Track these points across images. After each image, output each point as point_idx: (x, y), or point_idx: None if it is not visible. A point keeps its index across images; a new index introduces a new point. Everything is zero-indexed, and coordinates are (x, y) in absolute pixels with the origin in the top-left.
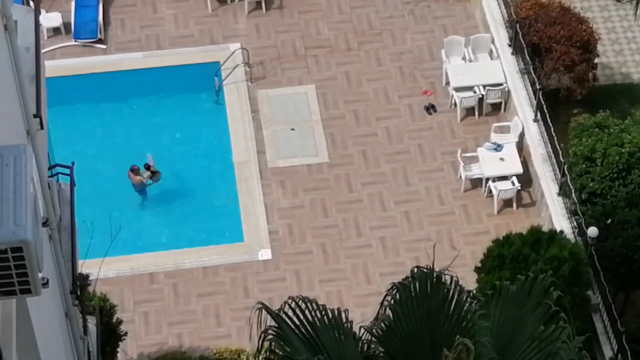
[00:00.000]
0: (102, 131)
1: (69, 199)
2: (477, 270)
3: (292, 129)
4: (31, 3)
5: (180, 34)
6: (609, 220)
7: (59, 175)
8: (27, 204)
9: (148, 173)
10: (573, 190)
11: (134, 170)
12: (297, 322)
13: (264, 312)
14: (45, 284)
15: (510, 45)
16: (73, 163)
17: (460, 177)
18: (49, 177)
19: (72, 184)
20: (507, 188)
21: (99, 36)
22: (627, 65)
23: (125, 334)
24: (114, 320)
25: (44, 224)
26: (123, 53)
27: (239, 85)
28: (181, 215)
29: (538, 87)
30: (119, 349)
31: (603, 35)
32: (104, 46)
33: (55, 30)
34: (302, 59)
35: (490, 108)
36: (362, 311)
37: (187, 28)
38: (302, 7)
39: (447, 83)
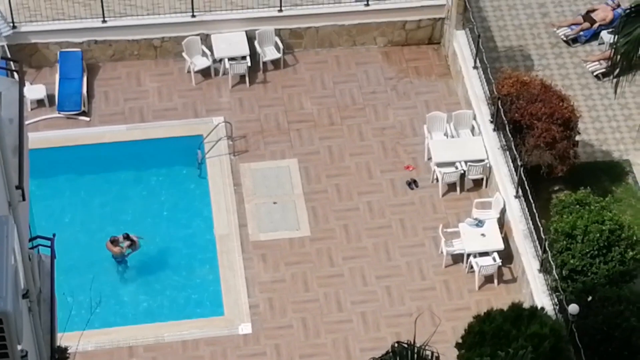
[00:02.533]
0: (84, 203)
1: (49, 271)
2: (458, 346)
3: (274, 203)
4: (15, 75)
5: (163, 107)
6: (590, 298)
7: (40, 247)
8: (7, 275)
9: (127, 243)
10: (554, 267)
11: (114, 242)
12: None
13: None
14: (25, 357)
15: (492, 122)
16: (54, 235)
17: (442, 252)
18: (30, 248)
19: (53, 256)
20: (489, 264)
21: (82, 108)
22: (607, 143)
23: None
24: None
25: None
26: (106, 125)
27: (221, 158)
28: (161, 287)
29: (519, 163)
30: None
31: (584, 113)
32: (87, 118)
33: (39, 102)
34: (285, 133)
35: (472, 184)
36: None
37: (171, 101)
38: (286, 81)
39: (429, 158)
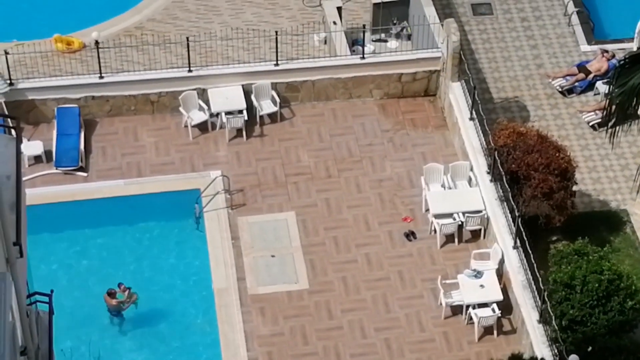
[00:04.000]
0: (81, 258)
1: (47, 327)
2: None
3: (273, 256)
4: (13, 132)
5: (161, 162)
6: (590, 348)
7: (38, 303)
8: (5, 332)
9: (125, 293)
10: (553, 318)
11: (111, 294)
12: None
13: None
14: None
15: (489, 173)
16: (52, 291)
17: (441, 304)
18: (28, 305)
19: (51, 312)
20: (488, 315)
21: (80, 164)
22: (604, 192)
23: None
24: None
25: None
26: (104, 181)
27: (219, 212)
28: (159, 342)
29: (517, 214)
30: None
31: (580, 163)
32: (85, 174)
33: (37, 159)
34: (282, 186)
35: (470, 235)
36: None
37: (168, 156)
38: (283, 135)
39: (427, 210)
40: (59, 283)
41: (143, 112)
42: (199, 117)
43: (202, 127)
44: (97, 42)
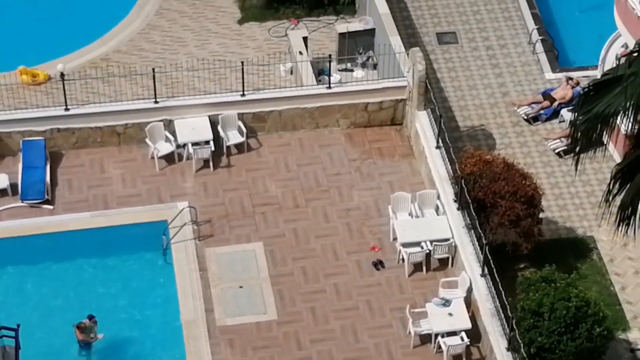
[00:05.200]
0: (49, 291)
1: None
2: None
3: (241, 287)
4: None
5: (127, 193)
6: None
7: (4, 338)
8: None
9: (95, 327)
10: (522, 345)
11: (80, 327)
12: None
13: None
14: None
15: (456, 201)
16: (18, 325)
17: (410, 332)
18: None
19: (17, 347)
20: (457, 343)
21: (46, 197)
22: (571, 219)
23: None
24: None
25: None
26: (70, 213)
27: (186, 243)
28: None
29: (484, 242)
30: None
31: (547, 190)
32: (51, 207)
33: (2, 192)
34: (250, 217)
35: (438, 263)
36: None
37: (135, 187)
38: (250, 165)
39: (395, 239)
40: (27, 317)
41: (109, 143)
42: (165, 148)
43: (169, 158)
44: (62, 74)
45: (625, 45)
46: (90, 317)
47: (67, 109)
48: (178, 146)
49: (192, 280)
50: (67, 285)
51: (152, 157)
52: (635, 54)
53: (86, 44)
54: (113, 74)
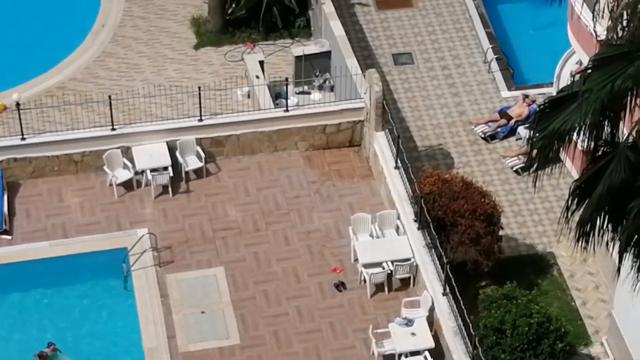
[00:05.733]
0: (9, 321)
1: None
2: None
3: (203, 312)
4: None
5: (86, 222)
6: None
7: None
8: None
9: (58, 355)
10: None
11: (42, 357)
12: None
13: None
14: None
15: (416, 221)
16: None
17: (373, 353)
18: None
19: None
20: None
21: (4, 227)
22: (530, 236)
23: None
24: None
25: None
26: (29, 243)
27: (147, 270)
28: None
29: (445, 260)
30: None
31: (506, 207)
32: (9, 237)
33: None
34: (210, 242)
35: (400, 283)
36: None
37: (94, 215)
38: (209, 190)
39: (356, 260)
40: None
41: (67, 172)
42: (123, 175)
43: (127, 185)
44: (18, 104)
45: (580, 62)
46: (50, 345)
47: (23, 139)
48: (136, 173)
49: (154, 307)
50: (26, 315)
51: (111, 185)
52: (590, 71)
53: (41, 73)
54: (69, 102)
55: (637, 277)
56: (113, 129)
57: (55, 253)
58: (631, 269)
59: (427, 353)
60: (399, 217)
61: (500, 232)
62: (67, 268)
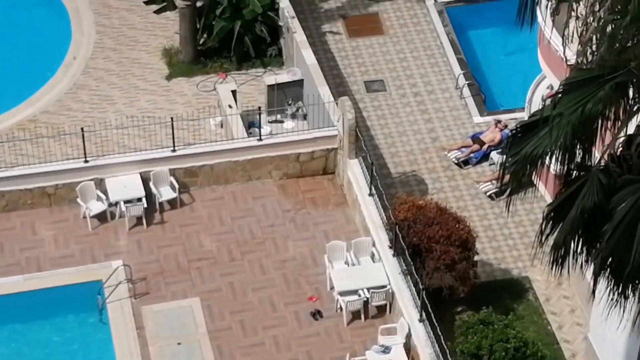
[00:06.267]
0: None
1: None
2: None
3: (179, 344)
4: None
5: (60, 255)
6: None
7: None
8: None
9: None
10: None
11: None
12: None
13: None
14: None
15: (391, 248)
16: None
17: None
18: None
19: None
20: None
21: None
22: (506, 261)
23: None
24: None
25: None
26: (2, 277)
27: (122, 302)
28: None
29: (421, 287)
30: None
31: (481, 233)
32: None
33: None
34: (185, 272)
35: (376, 310)
36: None
37: (68, 248)
38: (184, 220)
39: (332, 288)
40: None
41: (40, 205)
42: (97, 207)
43: (101, 217)
44: None
45: (551, 87)
46: None
47: None
48: (110, 204)
49: (130, 339)
50: (2, 350)
51: (84, 217)
52: (560, 95)
53: (13, 106)
54: (42, 135)
55: (612, 299)
56: (86, 161)
57: (29, 287)
58: (606, 291)
59: None
60: (374, 244)
61: (476, 257)
62: (42, 302)
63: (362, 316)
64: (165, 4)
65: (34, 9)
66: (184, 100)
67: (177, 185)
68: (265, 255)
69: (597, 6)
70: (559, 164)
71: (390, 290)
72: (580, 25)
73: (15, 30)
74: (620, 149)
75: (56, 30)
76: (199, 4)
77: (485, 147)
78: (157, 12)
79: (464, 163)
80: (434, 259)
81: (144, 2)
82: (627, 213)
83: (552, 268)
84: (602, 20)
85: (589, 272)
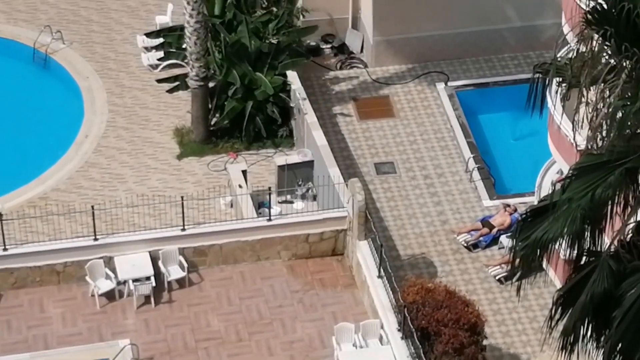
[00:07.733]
0: None
1: None
2: None
3: None
4: None
5: (68, 333)
6: None
7: None
8: None
9: None
10: None
11: None
12: None
13: None
14: None
15: (399, 330)
16: None
17: None
18: None
19: None
20: None
21: None
22: (514, 346)
23: None
24: None
25: None
26: (9, 355)
27: None
28: None
29: None
30: None
31: (489, 317)
32: None
33: None
34: (192, 352)
35: None
36: None
37: (75, 326)
38: (192, 299)
39: None
40: None
41: (49, 282)
42: (105, 285)
43: (110, 295)
44: (0, 214)
45: (560, 172)
46: None
47: (5, 249)
48: (119, 283)
49: None
50: None
51: (93, 295)
52: (570, 180)
53: (24, 184)
54: (52, 212)
55: None
56: (95, 239)
57: None
58: None
59: None
60: (382, 327)
61: (484, 342)
62: None
63: None
64: (178, 83)
65: (48, 87)
66: (195, 180)
67: (186, 265)
68: (273, 336)
69: (607, 92)
70: (568, 249)
71: None
72: (590, 110)
73: (29, 108)
74: (630, 234)
75: (69, 109)
76: (211, 84)
77: (494, 230)
78: (170, 91)
79: (473, 246)
80: (442, 343)
81: (157, 81)
82: (637, 299)
83: (561, 354)
84: (612, 106)
85: (599, 358)
